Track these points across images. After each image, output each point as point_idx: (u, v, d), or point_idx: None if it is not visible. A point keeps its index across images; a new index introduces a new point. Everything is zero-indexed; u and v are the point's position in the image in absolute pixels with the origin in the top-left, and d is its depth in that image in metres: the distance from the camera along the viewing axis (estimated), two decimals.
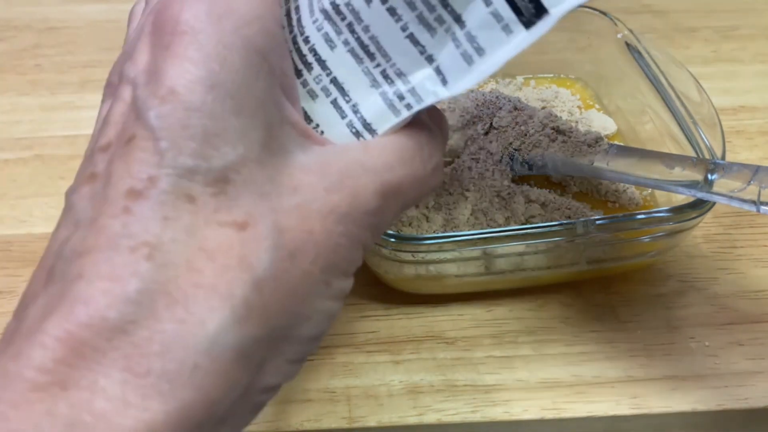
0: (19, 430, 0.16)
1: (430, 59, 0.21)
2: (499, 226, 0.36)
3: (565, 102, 0.45)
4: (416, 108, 0.22)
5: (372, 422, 0.33)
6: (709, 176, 0.33)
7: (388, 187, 0.21)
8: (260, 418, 0.33)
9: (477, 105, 0.41)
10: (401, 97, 0.22)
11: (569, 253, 0.36)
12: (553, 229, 0.34)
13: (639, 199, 0.40)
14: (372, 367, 0.35)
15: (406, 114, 0.22)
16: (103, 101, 0.22)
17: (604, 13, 0.45)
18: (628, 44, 0.43)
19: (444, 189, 0.38)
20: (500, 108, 0.40)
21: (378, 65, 0.22)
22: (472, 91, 0.43)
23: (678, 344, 0.36)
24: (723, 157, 0.36)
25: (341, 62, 0.22)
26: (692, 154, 0.37)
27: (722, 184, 0.32)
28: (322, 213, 0.19)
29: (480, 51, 0.21)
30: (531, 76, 0.48)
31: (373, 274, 0.38)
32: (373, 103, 0.22)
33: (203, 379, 0.17)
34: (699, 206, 0.34)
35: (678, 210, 0.34)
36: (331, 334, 0.36)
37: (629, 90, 0.43)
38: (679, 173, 0.34)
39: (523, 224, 0.37)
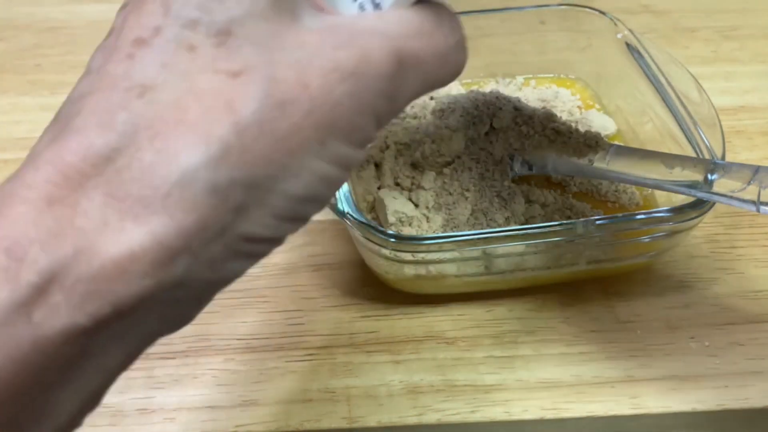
0: (6, 236, 0.17)
1: None
2: (499, 226, 0.36)
3: (565, 102, 0.45)
4: None
5: (372, 422, 0.33)
6: (709, 176, 0.33)
7: (405, 53, 0.20)
8: (260, 418, 0.33)
9: (477, 105, 0.41)
10: None
11: (569, 253, 0.36)
12: (553, 229, 0.34)
13: (639, 199, 0.40)
14: (372, 367, 0.35)
15: None
16: None
17: (604, 13, 0.45)
18: (628, 44, 0.43)
19: (444, 189, 0.38)
20: (500, 108, 0.40)
21: None
22: (471, 91, 0.43)
23: (678, 344, 0.36)
24: (723, 157, 0.36)
25: None
26: (692, 154, 0.37)
27: (722, 184, 0.32)
28: (324, 69, 0.19)
29: None
30: (531, 76, 0.48)
31: (373, 274, 0.38)
32: None
33: (174, 208, 0.18)
34: (699, 206, 0.34)
35: (678, 210, 0.34)
36: (331, 334, 0.36)
37: (629, 90, 0.43)
38: (679, 173, 0.34)
39: (523, 224, 0.37)
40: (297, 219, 0.21)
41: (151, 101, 0.18)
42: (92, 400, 0.20)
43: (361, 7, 0.21)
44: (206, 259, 0.19)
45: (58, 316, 0.17)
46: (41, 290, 0.17)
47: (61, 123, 0.19)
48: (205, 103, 0.18)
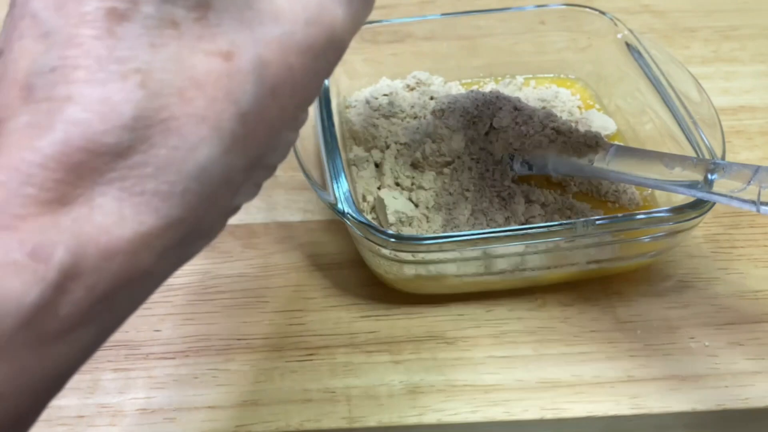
0: (30, 240, 0.17)
1: None
2: (499, 226, 0.36)
3: (565, 102, 0.45)
4: None
5: (372, 422, 0.33)
6: (709, 176, 0.33)
7: (357, 17, 0.22)
8: (260, 418, 0.33)
9: (477, 105, 0.41)
10: None
11: (569, 253, 0.36)
12: (553, 229, 0.34)
13: (639, 199, 0.40)
14: (372, 367, 0.35)
15: None
16: None
17: (604, 13, 0.45)
18: (628, 44, 0.43)
19: (444, 189, 0.38)
20: (500, 108, 0.40)
21: None
22: (471, 91, 0.43)
23: (678, 344, 0.36)
24: (723, 157, 0.36)
25: None
26: (692, 154, 0.37)
27: (722, 184, 0.32)
28: (301, 47, 0.20)
29: None
30: (531, 76, 0.48)
31: (373, 274, 0.38)
32: None
33: (192, 200, 0.18)
34: (699, 206, 0.34)
35: (678, 210, 0.34)
36: (331, 334, 0.36)
37: (629, 90, 0.43)
38: (679, 173, 0.34)
39: (523, 224, 0.37)
40: (262, 183, 0.23)
41: (154, 93, 0.18)
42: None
43: None
44: (207, 230, 0.21)
45: (80, 309, 0.17)
46: (64, 289, 0.17)
47: (43, 104, 0.18)
48: (209, 92, 0.19)
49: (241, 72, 0.19)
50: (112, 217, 0.17)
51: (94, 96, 0.18)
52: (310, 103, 0.22)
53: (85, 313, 0.17)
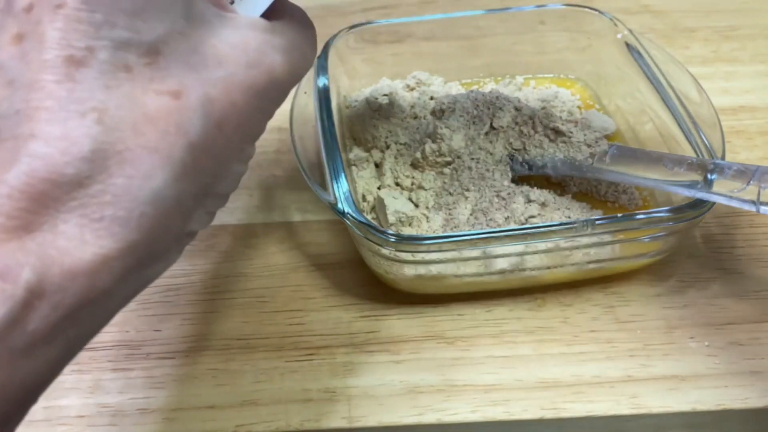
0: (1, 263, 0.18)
1: None
2: (499, 226, 0.36)
3: (565, 102, 0.45)
4: None
5: (372, 422, 0.33)
6: (709, 176, 0.33)
7: (295, 66, 0.25)
8: (260, 418, 0.33)
9: (477, 105, 0.41)
10: None
11: (569, 253, 0.36)
12: (553, 229, 0.34)
13: (639, 199, 0.40)
14: (372, 367, 0.35)
15: None
16: None
17: (604, 13, 0.45)
18: (628, 44, 0.43)
19: (444, 189, 0.38)
20: (500, 108, 0.40)
21: None
22: (471, 91, 0.43)
23: (677, 344, 0.36)
24: (723, 157, 0.36)
25: None
26: (692, 154, 0.37)
27: (722, 184, 0.32)
28: (243, 86, 0.23)
29: None
30: (531, 76, 0.48)
31: (373, 274, 0.38)
32: None
33: (147, 224, 0.20)
34: (699, 206, 0.34)
35: (678, 210, 0.34)
36: (331, 334, 0.37)
37: (629, 90, 0.43)
38: (679, 173, 0.34)
39: (522, 224, 0.37)
40: (216, 211, 0.25)
41: (110, 128, 0.20)
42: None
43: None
44: (162, 253, 0.22)
45: (46, 324, 0.19)
46: (32, 306, 0.18)
47: (8, 143, 0.19)
48: (160, 126, 0.21)
49: (189, 108, 0.21)
50: (74, 242, 0.19)
51: (55, 132, 0.19)
52: (255, 137, 0.24)
53: (52, 329, 0.19)
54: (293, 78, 0.25)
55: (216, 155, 0.22)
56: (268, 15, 0.25)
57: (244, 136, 0.23)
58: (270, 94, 0.24)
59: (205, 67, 0.22)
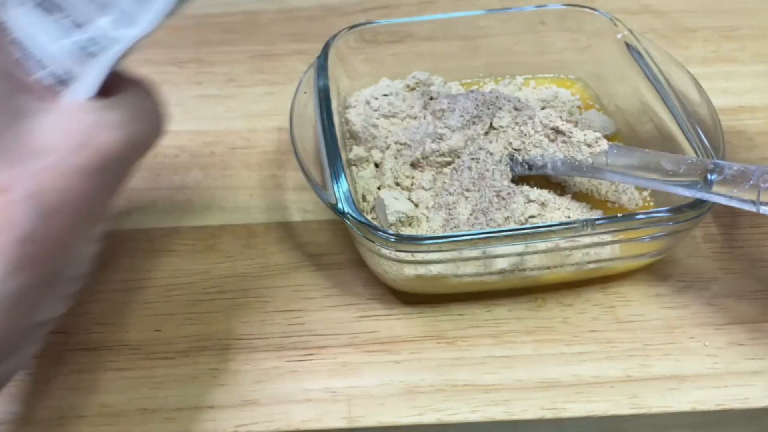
0: None
1: (105, 6, 0.23)
2: (499, 225, 0.36)
3: (565, 102, 0.45)
4: (112, 52, 0.23)
5: (372, 422, 0.33)
6: (709, 176, 0.33)
7: (135, 137, 0.24)
8: (260, 418, 0.33)
9: (477, 105, 0.41)
10: (93, 42, 0.24)
11: (569, 253, 0.36)
12: (553, 229, 0.34)
13: (639, 199, 0.40)
14: (372, 367, 0.35)
15: (107, 59, 0.24)
16: None
17: (604, 14, 0.45)
18: (628, 44, 0.43)
19: (444, 189, 0.38)
20: (500, 108, 0.40)
21: (66, 16, 0.24)
22: (471, 91, 0.43)
23: (677, 344, 0.36)
24: (723, 157, 0.36)
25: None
26: (692, 154, 0.37)
27: (722, 184, 0.32)
28: (74, 170, 0.22)
29: None
30: (531, 76, 0.48)
31: (373, 274, 0.38)
32: (66, 52, 0.24)
33: None
34: (699, 206, 0.34)
35: (678, 210, 0.34)
36: (331, 334, 0.37)
37: (629, 90, 0.43)
38: (679, 173, 0.34)
39: (522, 224, 0.37)
40: (74, 293, 0.24)
41: None
42: None
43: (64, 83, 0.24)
44: (12, 349, 0.22)
45: None
46: None
47: None
48: None
49: (17, 201, 0.21)
50: None
51: None
52: (101, 216, 0.24)
53: None
54: (137, 149, 0.25)
55: (55, 242, 0.22)
56: (106, 92, 0.24)
57: (87, 216, 0.23)
58: (109, 171, 0.23)
59: (31, 158, 0.22)
